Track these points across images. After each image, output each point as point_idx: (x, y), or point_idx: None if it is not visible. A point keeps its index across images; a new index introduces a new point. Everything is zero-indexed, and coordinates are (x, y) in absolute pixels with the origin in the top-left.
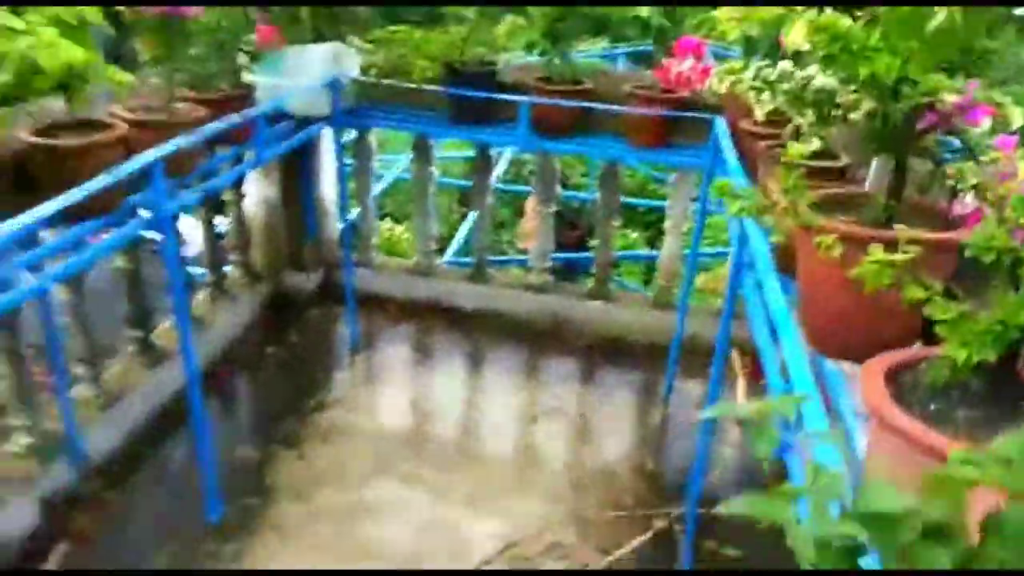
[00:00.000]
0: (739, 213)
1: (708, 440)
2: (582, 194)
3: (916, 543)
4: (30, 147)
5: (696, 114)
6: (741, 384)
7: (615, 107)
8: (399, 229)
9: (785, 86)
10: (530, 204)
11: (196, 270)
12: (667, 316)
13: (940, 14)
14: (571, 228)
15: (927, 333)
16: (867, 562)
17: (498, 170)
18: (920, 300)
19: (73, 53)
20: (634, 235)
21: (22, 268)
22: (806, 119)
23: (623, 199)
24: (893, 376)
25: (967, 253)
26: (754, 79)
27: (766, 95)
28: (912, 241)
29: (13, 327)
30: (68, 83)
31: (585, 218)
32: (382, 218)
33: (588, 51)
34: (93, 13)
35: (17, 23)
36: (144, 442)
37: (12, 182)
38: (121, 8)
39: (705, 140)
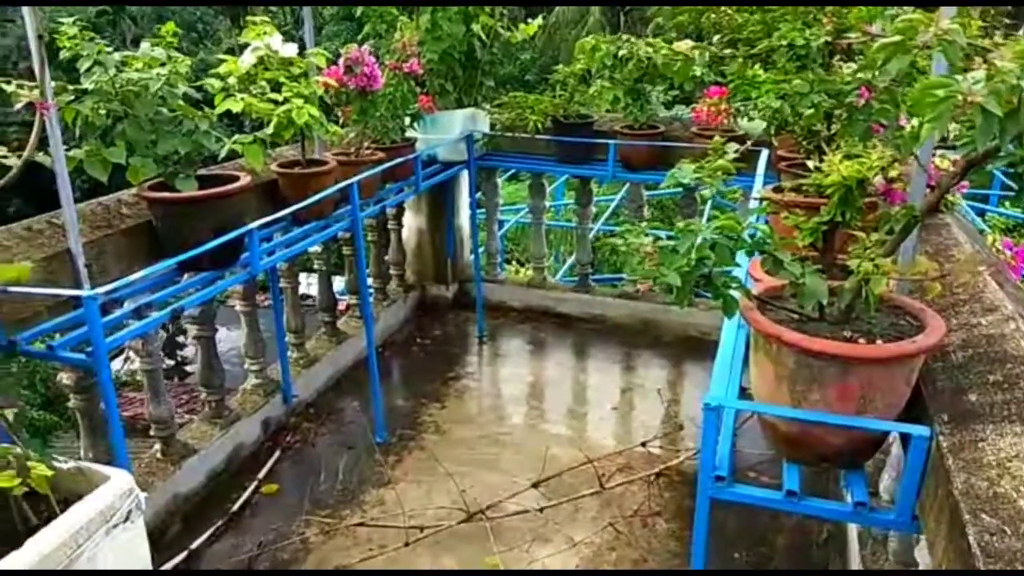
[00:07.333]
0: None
1: None
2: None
3: None
4: (279, 175)
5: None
6: None
7: (681, 144)
8: (522, 270)
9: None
10: None
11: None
12: None
13: None
14: None
15: None
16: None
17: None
18: None
19: (312, 112)
20: None
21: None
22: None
23: None
24: None
25: None
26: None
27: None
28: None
29: (251, 297)
30: (302, 135)
31: None
32: (508, 261)
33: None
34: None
35: (277, 96)
36: (331, 392)
37: (266, 197)
38: (330, 84)
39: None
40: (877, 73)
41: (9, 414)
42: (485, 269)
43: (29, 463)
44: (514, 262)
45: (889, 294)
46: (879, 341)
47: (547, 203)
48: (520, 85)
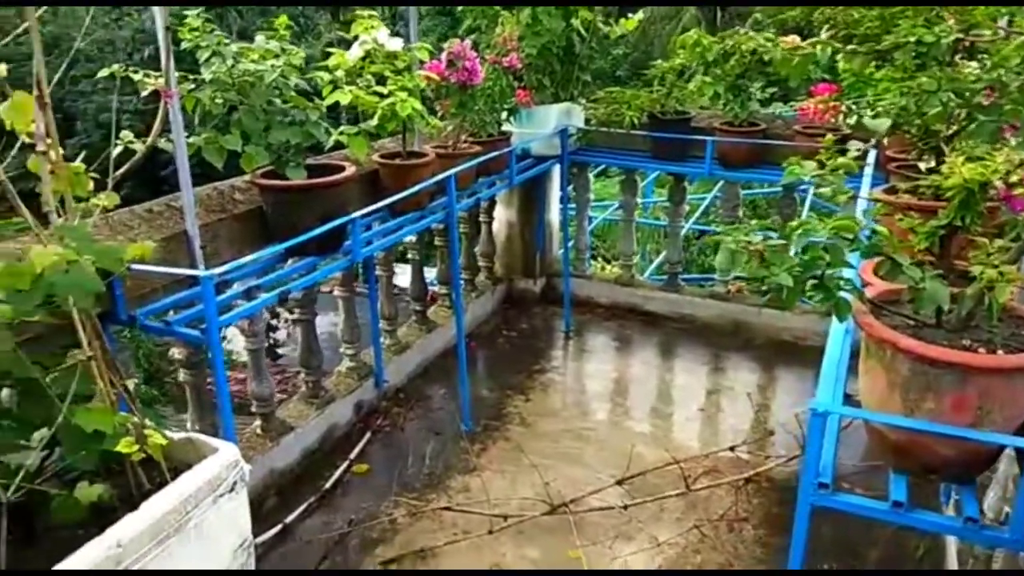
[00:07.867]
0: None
1: None
2: None
3: None
4: (380, 166)
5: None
6: None
7: (783, 142)
8: (608, 267)
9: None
10: None
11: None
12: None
13: None
14: None
15: None
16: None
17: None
18: None
19: (415, 106)
20: None
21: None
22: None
23: None
24: None
25: None
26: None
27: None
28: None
29: (349, 282)
30: (404, 127)
31: None
32: (593, 258)
33: None
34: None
35: (382, 89)
36: (420, 379)
37: (367, 187)
38: (432, 78)
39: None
40: (1003, 72)
41: (130, 384)
42: (573, 264)
43: (146, 431)
44: (599, 259)
45: (1011, 303)
46: (1000, 351)
47: (638, 200)
48: (611, 80)
